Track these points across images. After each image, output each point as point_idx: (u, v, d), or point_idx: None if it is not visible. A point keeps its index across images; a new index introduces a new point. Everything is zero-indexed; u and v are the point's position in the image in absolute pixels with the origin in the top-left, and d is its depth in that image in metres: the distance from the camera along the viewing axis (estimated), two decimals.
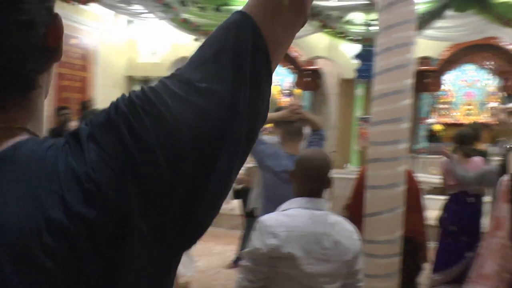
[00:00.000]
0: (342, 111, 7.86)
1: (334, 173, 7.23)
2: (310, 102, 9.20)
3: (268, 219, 1.95)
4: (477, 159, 4.58)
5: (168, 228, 0.58)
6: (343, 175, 7.10)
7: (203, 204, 0.60)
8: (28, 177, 0.53)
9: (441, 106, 8.98)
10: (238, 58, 0.62)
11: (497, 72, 8.66)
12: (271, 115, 3.79)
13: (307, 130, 3.51)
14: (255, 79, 0.63)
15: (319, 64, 9.16)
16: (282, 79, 9.55)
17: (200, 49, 0.64)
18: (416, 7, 3.59)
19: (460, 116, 8.89)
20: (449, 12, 6.16)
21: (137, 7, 6.01)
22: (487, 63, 8.67)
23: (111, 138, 0.55)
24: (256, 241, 1.88)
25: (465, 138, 4.68)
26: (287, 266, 1.87)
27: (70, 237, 0.51)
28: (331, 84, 9.48)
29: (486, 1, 5.96)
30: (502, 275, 3.34)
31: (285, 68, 9.39)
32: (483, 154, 4.80)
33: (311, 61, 8.97)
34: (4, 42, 0.57)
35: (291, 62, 9.22)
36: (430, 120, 8.81)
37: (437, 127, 8.63)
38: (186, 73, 0.61)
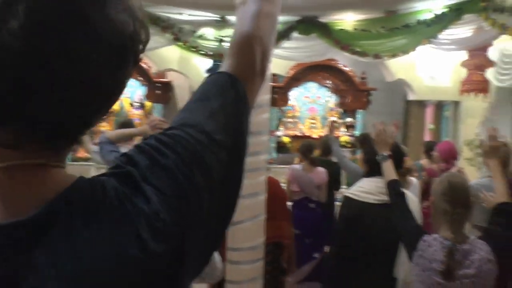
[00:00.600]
0: None
1: None
2: (161, 114, 9.14)
3: None
4: (321, 169, 5.02)
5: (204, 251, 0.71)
6: None
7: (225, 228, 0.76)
8: (103, 221, 0.58)
9: (288, 120, 9.56)
10: (238, 116, 0.77)
11: (335, 90, 9.53)
12: (130, 130, 3.72)
13: None
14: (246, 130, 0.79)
15: (171, 77, 9.16)
16: (132, 91, 9.32)
17: (202, 102, 0.77)
18: None
19: (305, 129, 9.54)
20: (295, 34, 6.67)
21: None
22: (327, 82, 9.50)
23: (165, 180, 0.63)
24: None
25: (310, 149, 5.10)
26: None
27: (147, 271, 0.58)
28: (182, 97, 9.54)
29: (327, 27, 6.59)
30: None
31: (135, 80, 9.21)
32: (329, 164, 5.25)
33: (162, 74, 8.93)
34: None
35: (141, 74, 9.08)
36: (278, 133, 9.34)
37: (285, 139, 9.17)
38: (202, 124, 0.72)
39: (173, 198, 0.63)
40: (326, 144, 5.36)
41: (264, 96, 3.62)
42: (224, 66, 0.83)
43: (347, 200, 2.92)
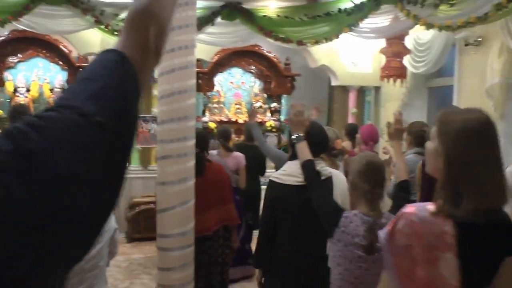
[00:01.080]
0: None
1: (139, 173, 7.16)
2: None
3: None
4: (237, 154, 5.07)
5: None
6: (147, 174, 7.59)
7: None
8: None
9: (214, 105, 9.54)
10: (124, 97, 0.73)
11: (259, 75, 9.64)
12: None
13: None
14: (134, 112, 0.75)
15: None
16: (52, 76, 8.88)
17: (85, 82, 0.73)
18: (196, 12, 3.80)
19: (231, 114, 9.57)
20: (219, 20, 6.65)
21: None
22: (251, 67, 9.58)
23: (28, 167, 0.60)
24: None
25: (226, 134, 5.13)
26: None
27: None
28: None
29: (251, 13, 6.62)
30: None
31: (55, 64, 8.78)
32: (253, 149, 5.30)
33: (84, 58, 8.60)
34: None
35: (61, 58, 8.68)
36: (204, 118, 9.31)
37: (211, 125, 9.16)
38: (81, 105, 0.68)
39: (37, 185, 0.59)
40: (249, 130, 5.43)
41: (189, 81, 3.61)
42: (116, 44, 0.79)
43: (271, 183, 2.98)
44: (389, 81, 6.91)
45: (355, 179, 2.39)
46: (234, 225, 4.06)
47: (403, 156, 2.87)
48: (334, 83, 8.69)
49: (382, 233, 1.63)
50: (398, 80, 6.94)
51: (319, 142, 2.93)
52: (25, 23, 6.05)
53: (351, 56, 8.32)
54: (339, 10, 6.33)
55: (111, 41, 7.19)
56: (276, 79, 9.51)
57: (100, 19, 6.20)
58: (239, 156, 5.03)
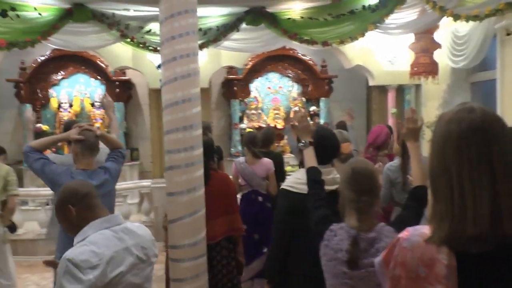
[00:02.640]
0: (154, 122, 7.83)
1: (154, 183, 7.19)
2: (122, 113, 9.05)
3: (76, 256, 1.86)
4: (266, 160, 4.93)
5: None
6: (162, 184, 7.18)
7: None
8: None
9: (252, 112, 9.51)
10: None
11: (296, 79, 9.52)
12: (53, 137, 3.60)
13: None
14: None
15: (129, 75, 9.05)
16: (92, 90, 9.19)
17: None
18: (198, 20, 3.75)
19: (269, 120, 9.51)
20: (243, 25, 6.59)
21: None
22: (288, 71, 9.48)
23: None
24: (72, 285, 1.81)
25: (253, 140, 5.01)
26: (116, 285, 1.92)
27: None
28: (142, 94, 9.43)
29: (275, 16, 6.52)
30: None
31: (94, 79, 9.07)
32: (271, 155, 5.18)
33: (120, 72, 8.81)
34: None
35: (99, 73, 8.95)
36: (242, 125, 9.29)
37: (249, 131, 9.10)
38: None
39: None
40: (267, 136, 5.31)
41: (193, 90, 3.55)
42: None
43: (284, 192, 2.80)
44: (420, 78, 6.56)
45: (342, 188, 2.21)
46: (239, 236, 3.95)
47: (419, 159, 2.56)
48: (371, 83, 8.41)
49: (376, 260, 1.45)
50: (429, 77, 6.56)
51: (329, 148, 2.77)
52: (54, 42, 6.25)
53: (387, 54, 8.01)
54: (363, 7, 6.12)
55: (141, 54, 7.31)
56: (313, 82, 9.37)
57: (125, 33, 6.30)
58: (267, 162, 4.90)
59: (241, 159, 5.08)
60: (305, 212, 2.62)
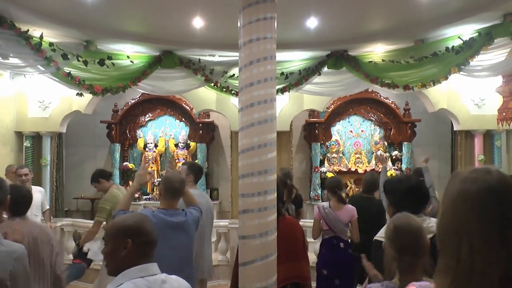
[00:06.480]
0: (235, 163, 7.98)
1: (231, 224, 7.25)
2: (205, 154, 9.31)
3: None
4: (349, 207, 4.81)
5: None
6: None
7: None
8: None
9: (333, 155, 9.42)
10: None
11: (379, 122, 9.34)
12: (130, 192, 3.68)
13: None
14: None
15: (212, 117, 9.35)
16: (177, 132, 9.59)
17: None
18: (276, 66, 3.81)
19: (350, 164, 9.37)
20: (325, 69, 6.62)
21: (15, 61, 5.75)
22: (370, 115, 9.33)
23: None
24: None
25: (338, 185, 4.91)
26: None
27: None
28: (224, 136, 9.70)
29: (356, 60, 6.49)
30: None
31: (179, 121, 9.47)
32: (372, 201, 5.09)
33: (203, 114, 9.14)
34: None
35: (184, 115, 9.35)
36: (323, 169, 9.20)
37: (330, 175, 8.99)
38: None
39: None
40: (370, 180, 5.19)
41: (269, 135, 3.59)
42: None
43: (377, 243, 2.62)
44: (509, 124, 6.11)
45: (386, 246, 2.08)
46: (306, 284, 3.84)
47: None
48: (456, 127, 8.01)
49: None
50: None
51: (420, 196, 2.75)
52: (143, 87, 6.63)
53: (474, 97, 7.63)
54: (447, 49, 5.88)
55: (224, 98, 7.56)
56: (396, 125, 9.14)
57: (209, 78, 6.56)
58: (351, 208, 4.80)
59: (325, 204, 4.98)
60: None
